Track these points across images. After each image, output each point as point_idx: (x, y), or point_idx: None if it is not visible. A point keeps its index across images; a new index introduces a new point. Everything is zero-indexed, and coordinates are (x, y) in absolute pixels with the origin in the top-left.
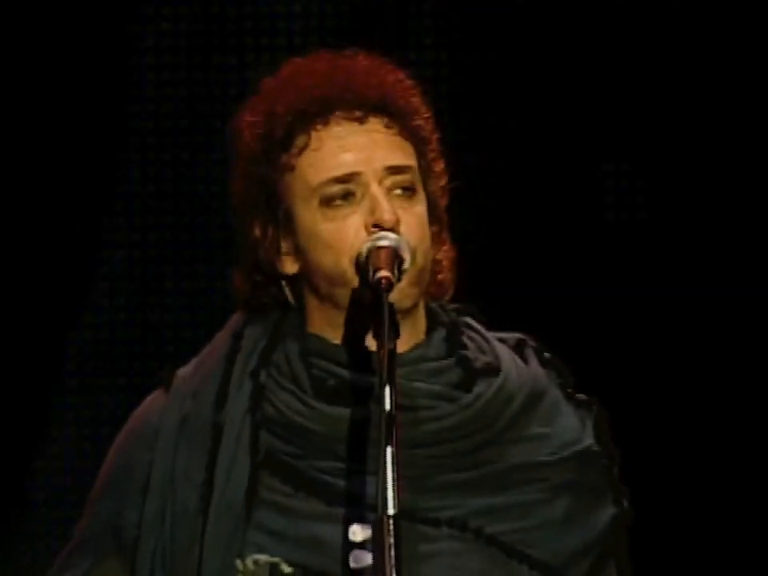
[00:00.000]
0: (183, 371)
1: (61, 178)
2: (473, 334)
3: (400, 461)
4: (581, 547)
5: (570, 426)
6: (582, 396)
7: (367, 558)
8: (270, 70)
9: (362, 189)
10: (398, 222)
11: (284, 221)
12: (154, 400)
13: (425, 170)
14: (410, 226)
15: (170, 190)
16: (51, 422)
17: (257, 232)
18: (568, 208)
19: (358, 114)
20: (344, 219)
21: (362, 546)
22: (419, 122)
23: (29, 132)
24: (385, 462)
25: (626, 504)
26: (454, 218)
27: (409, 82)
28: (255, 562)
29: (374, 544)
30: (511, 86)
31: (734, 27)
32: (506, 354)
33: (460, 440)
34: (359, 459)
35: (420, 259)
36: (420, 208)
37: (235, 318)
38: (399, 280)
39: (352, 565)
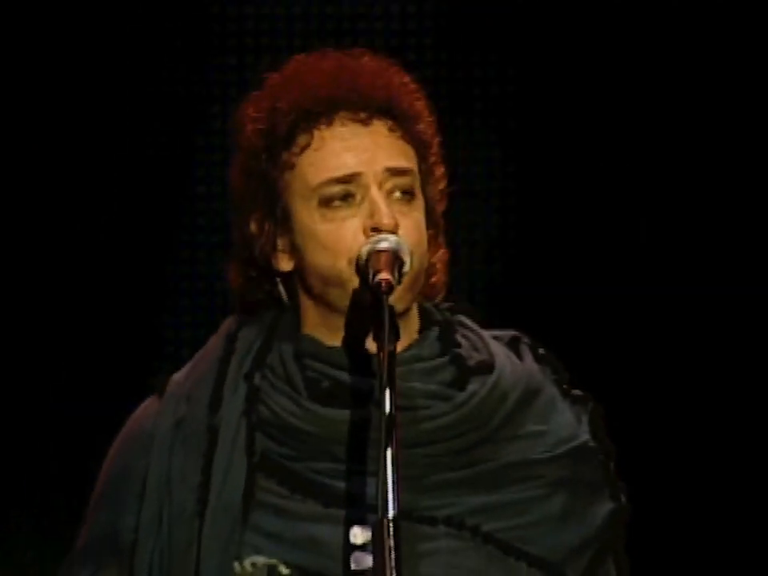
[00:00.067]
0: (177, 376)
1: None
2: (466, 332)
3: (399, 462)
4: (579, 543)
5: (565, 423)
6: (577, 392)
7: (368, 561)
8: (270, 70)
9: (361, 191)
10: (396, 226)
11: (281, 218)
12: (148, 406)
13: (425, 173)
14: (407, 231)
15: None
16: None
17: (253, 227)
18: (569, 208)
19: (362, 115)
20: (342, 221)
21: (362, 548)
22: (422, 126)
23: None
24: (385, 464)
25: (623, 499)
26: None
27: (413, 85)
28: (253, 564)
29: (375, 546)
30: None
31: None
32: (500, 352)
33: (455, 439)
34: (355, 460)
35: (416, 264)
36: (418, 213)
37: (229, 322)
38: (399, 283)
39: (353, 567)
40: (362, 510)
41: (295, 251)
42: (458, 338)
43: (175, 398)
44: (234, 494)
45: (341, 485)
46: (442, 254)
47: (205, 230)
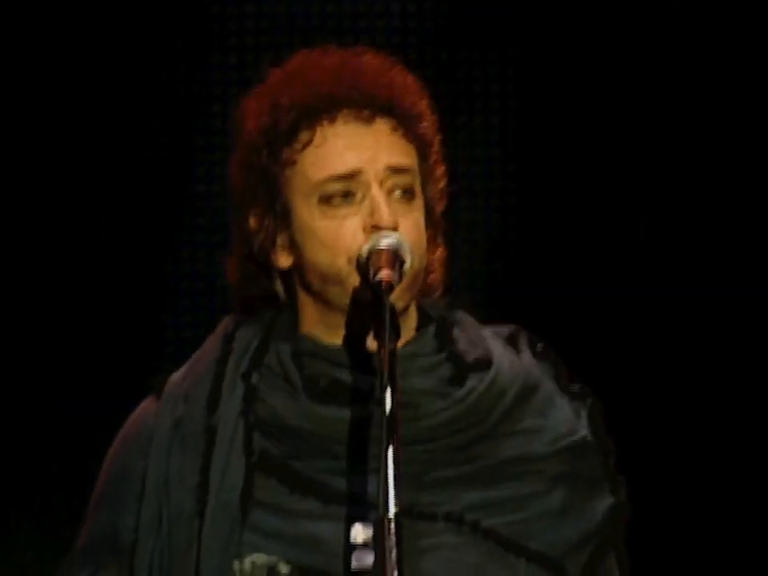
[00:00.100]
0: (175, 376)
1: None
2: (464, 328)
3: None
4: (578, 538)
5: (564, 418)
6: (576, 387)
7: (369, 559)
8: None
9: (362, 189)
10: (396, 225)
11: (281, 214)
12: (146, 407)
13: (425, 173)
14: (407, 230)
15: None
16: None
17: (252, 222)
18: (569, 208)
19: (365, 114)
20: (342, 219)
21: (363, 546)
22: (424, 125)
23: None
24: (386, 462)
25: (623, 494)
26: (458, 220)
27: (416, 84)
28: (253, 563)
29: (376, 545)
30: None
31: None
32: (498, 347)
33: (454, 435)
34: (355, 458)
35: (416, 263)
36: (418, 212)
37: (226, 322)
38: (400, 281)
39: (354, 565)
40: (362, 507)
41: (294, 248)
42: (456, 334)
43: (173, 398)
44: (233, 493)
45: (340, 483)
46: (440, 253)
47: (205, 230)
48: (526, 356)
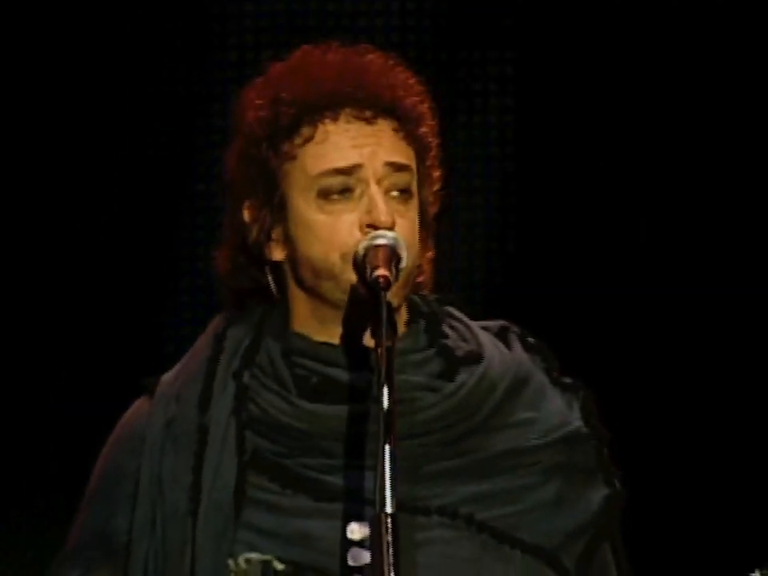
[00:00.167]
0: (167, 376)
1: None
2: (454, 323)
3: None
4: (573, 529)
5: (556, 410)
6: (567, 379)
7: (365, 556)
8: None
9: (361, 186)
10: (393, 224)
11: (278, 207)
12: (138, 407)
13: (422, 175)
14: (403, 229)
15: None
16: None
17: (247, 214)
18: (568, 208)
19: (368, 113)
20: (339, 214)
21: (360, 544)
22: (424, 128)
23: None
24: (383, 459)
25: (618, 485)
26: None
27: (419, 87)
28: (247, 561)
29: (373, 542)
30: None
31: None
32: (488, 341)
33: (445, 429)
34: (346, 455)
35: (409, 263)
36: (413, 213)
37: (217, 321)
38: (397, 279)
39: (350, 563)
40: (355, 504)
41: (288, 241)
42: (446, 328)
43: (165, 398)
44: (225, 492)
45: (331, 479)
46: (430, 254)
47: (204, 228)
48: (517, 349)
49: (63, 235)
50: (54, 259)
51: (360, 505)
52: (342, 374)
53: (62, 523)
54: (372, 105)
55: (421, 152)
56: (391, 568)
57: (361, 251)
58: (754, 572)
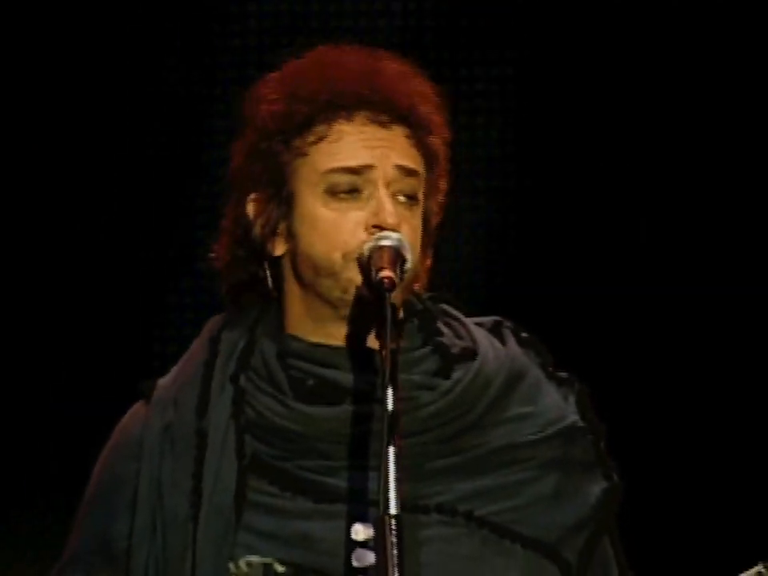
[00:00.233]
0: (163, 380)
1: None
2: (449, 320)
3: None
4: (573, 522)
5: (553, 404)
6: (562, 374)
7: (369, 557)
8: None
9: (369, 188)
10: (399, 226)
11: (284, 202)
12: (135, 412)
13: (429, 184)
14: (407, 234)
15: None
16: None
17: (252, 208)
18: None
19: (383, 118)
20: (345, 212)
21: (364, 545)
22: (435, 138)
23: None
24: (387, 461)
25: (615, 478)
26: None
27: (434, 97)
28: (248, 564)
29: (377, 543)
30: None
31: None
32: (483, 338)
33: (443, 426)
34: (345, 457)
35: (414, 265)
36: (417, 220)
37: (211, 323)
38: (402, 280)
39: (354, 564)
40: (355, 505)
41: (291, 237)
42: (441, 326)
43: (162, 402)
44: (226, 496)
45: (331, 481)
46: (428, 263)
47: (205, 229)
48: (511, 345)
49: (63, 235)
50: (55, 259)
51: (363, 506)
52: (339, 375)
53: (62, 523)
54: (387, 110)
55: (430, 161)
56: (396, 569)
57: (366, 252)
58: (757, 565)
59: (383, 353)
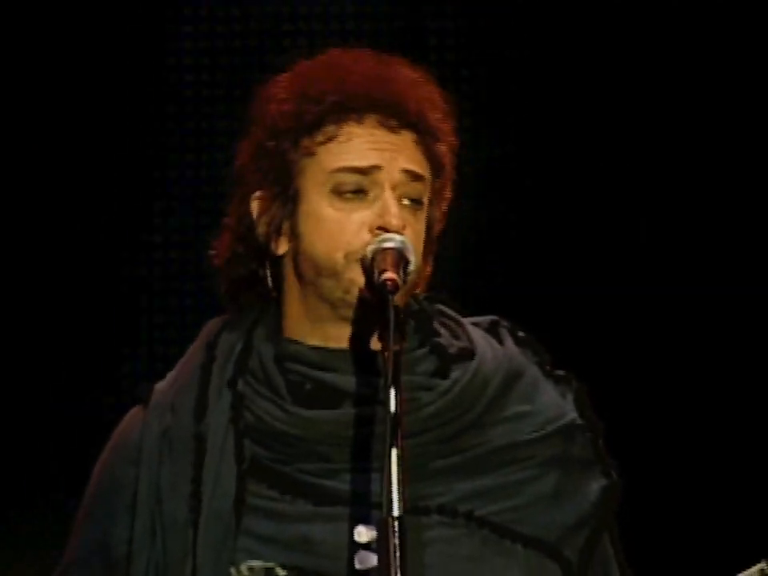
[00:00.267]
0: (160, 385)
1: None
2: (446, 321)
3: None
4: (574, 521)
5: (551, 403)
6: (559, 372)
7: (372, 559)
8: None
9: (375, 190)
10: (403, 228)
11: (290, 201)
12: (133, 416)
13: (434, 191)
14: (411, 237)
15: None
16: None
17: (256, 205)
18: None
19: (393, 123)
20: (350, 213)
21: (367, 547)
22: (443, 146)
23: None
24: (390, 462)
25: (615, 475)
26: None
27: (445, 105)
28: (250, 569)
29: (379, 545)
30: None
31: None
32: (479, 337)
33: (441, 427)
34: (347, 459)
35: (416, 267)
36: (421, 225)
37: (208, 327)
38: (405, 282)
39: (357, 566)
40: (355, 507)
41: (294, 236)
42: (437, 326)
43: (160, 407)
44: (225, 501)
45: (331, 483)
46: (428, 270)
47: (206, 228)
48: (509, 344)
49: (64, 235)
50: (55, 259)
51: (365, 508)
52: (337, 378)
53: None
54: (397, 115)
55: (436, 167)
56: (399, 571)
57: (369, 254)
58: (760, 562)
59: (386, 354)
